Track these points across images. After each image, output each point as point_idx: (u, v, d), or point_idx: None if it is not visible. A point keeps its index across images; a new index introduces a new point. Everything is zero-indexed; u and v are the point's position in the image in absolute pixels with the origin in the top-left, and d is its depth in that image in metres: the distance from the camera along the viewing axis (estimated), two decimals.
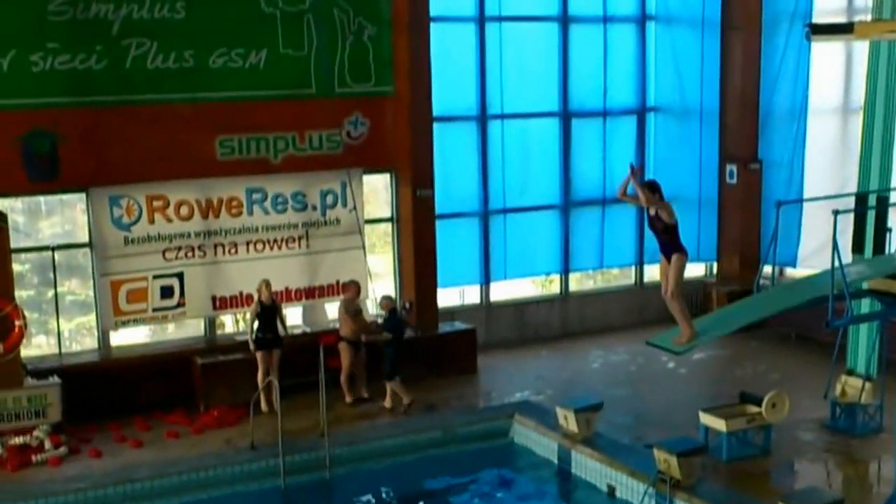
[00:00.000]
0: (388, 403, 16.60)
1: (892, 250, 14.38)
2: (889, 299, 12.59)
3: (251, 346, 16.36)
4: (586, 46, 20.37)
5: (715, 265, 21.84)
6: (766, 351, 19.31)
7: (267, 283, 16.59)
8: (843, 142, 19.58)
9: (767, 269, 17.89)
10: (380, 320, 17.01)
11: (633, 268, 21.74)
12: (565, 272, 20.98)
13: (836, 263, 11.73)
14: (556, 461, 14.81)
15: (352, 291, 17.02)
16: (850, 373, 15.37)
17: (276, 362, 16.30)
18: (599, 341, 20.22)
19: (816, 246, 18.75)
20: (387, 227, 19.28)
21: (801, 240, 19.97)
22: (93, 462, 14.78)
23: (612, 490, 13.74)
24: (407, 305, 18.39)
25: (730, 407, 14.52)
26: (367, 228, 18.72)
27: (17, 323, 15.50)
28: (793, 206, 18.94)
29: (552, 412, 15.23)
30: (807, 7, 19.65)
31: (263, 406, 16.00)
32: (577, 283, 21.63)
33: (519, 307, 20.72)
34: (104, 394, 16.44)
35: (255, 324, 16.49)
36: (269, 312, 16.41)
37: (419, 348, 18.06)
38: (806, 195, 19.71)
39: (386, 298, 17.03)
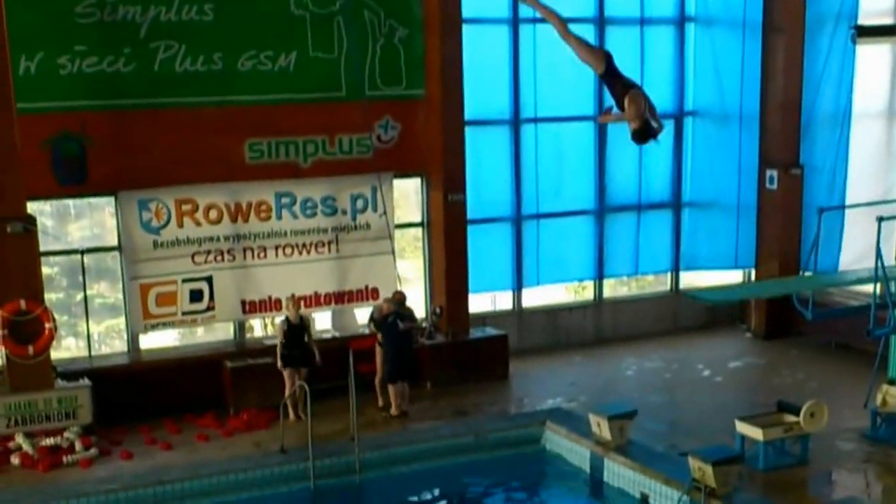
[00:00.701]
0: (394, 410, 16.40)
1: None
2: None
3: (279, 364, 16.18)
4: (623, 49, 20.04)
5: (753, 272, 21.50)
6: (805, 359, 19.01)
7: (294, 302, 16.44)
8: (887, 147, 19.26)
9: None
10: (371, 327, 16.87)
11: (669, 274, 21.46)
12: (599, 278, 20.75)
13: (880, 271, 11.45)
14: (588, 469, 14.58)
15: (398, 297, 16.87)
16: (892, 382, 15.02)
17: (304, 377, 15.99)
18: (633, 348, 19.97)
19: (859, 253, 18.39)
20: (417, 232, 19.13)
21: (842, 247, 19.61)
22: (123, 464, 14.71)
23: (645, 498, 13.51)
24: (437, 311, 18.28)
25: (767, 416, 14.24)
26: (398, 233, 18.59)
27: (46, 325, 15.49)
28: (835, 212, 18.62)
29: (585, 419, 15.00)
30: (852, 8, 19.26)
31: (291, 417, 15.84)
32: (611, 289, 21.39)
33: (552, 313, 20.50)
34: (134, 396, 16.39)
35: (283, 341, 16.29)
36: (296, 330, 16.23)
37: (450, 354, 17.91)
38: (848, 201, 19.36)
39: (386, 301, 16.83)
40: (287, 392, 16.00)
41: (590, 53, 10.97)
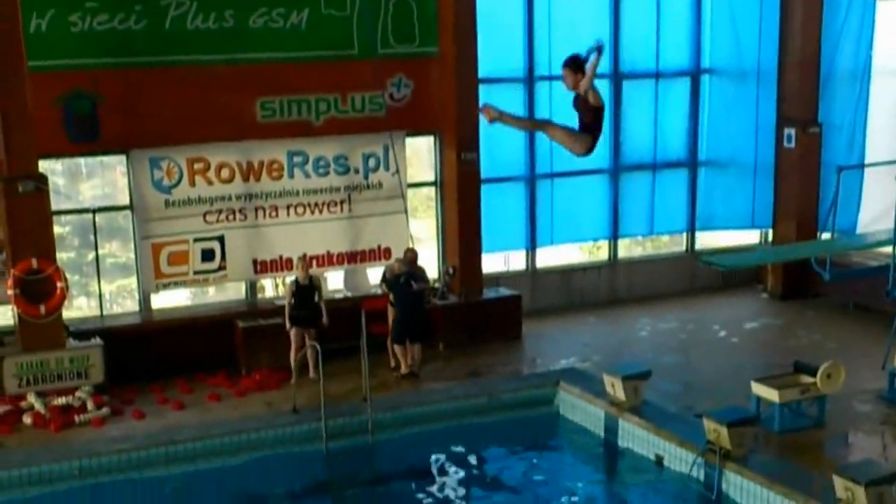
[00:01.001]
0: (404, 369, 16.31)
1: None
2: None
3: (287, 324, 16.07)
4: (638, 5, 19.85)
5: (770, 232, 21.30)
6: (823, 320, 18.84)
7: (304, 263, 16.32)
8: None
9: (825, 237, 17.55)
10: (383, 288, 16.69)
11: (684, 235, 21.27)
12: (614, 238, 20.59)
13: None
14: (602, 430, 14.48)
15: (409, 257, 16.72)
16: None
17: (313, 338, 15.85)
18: (648, 309, 19.84)
19: (878, 213, 18.21)
20: (430, 192, 18.99)
21: (861, 206, 19.41)
22: (135, 423, 14.68)
23: (659, 460, 13.41)
24: (450, 271, 18.16)
25: (783, 377, 14.09)
26: (410, 192, 18.44)
27: (58, 284, 15.46)
28: (853, 171, 18.39)
29: (599, 380, 14.90)
30: None
31: (294, 378, 15.63)
32: (626, 249, 21.22)
33: (565, 273, 20.37)
34: (146, 356, 16.35)
35: (291, 301, 16.17)
36: (304, 291, 16.09)
37: (463, 314, 17.81)
38: (868, 160, 19.13)
39: (398, 261, 16.71)
40: (293, 352, 15.89)
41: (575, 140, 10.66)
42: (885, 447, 13.34)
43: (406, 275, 16.31)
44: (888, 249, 15.47)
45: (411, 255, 16.69)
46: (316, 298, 16.17)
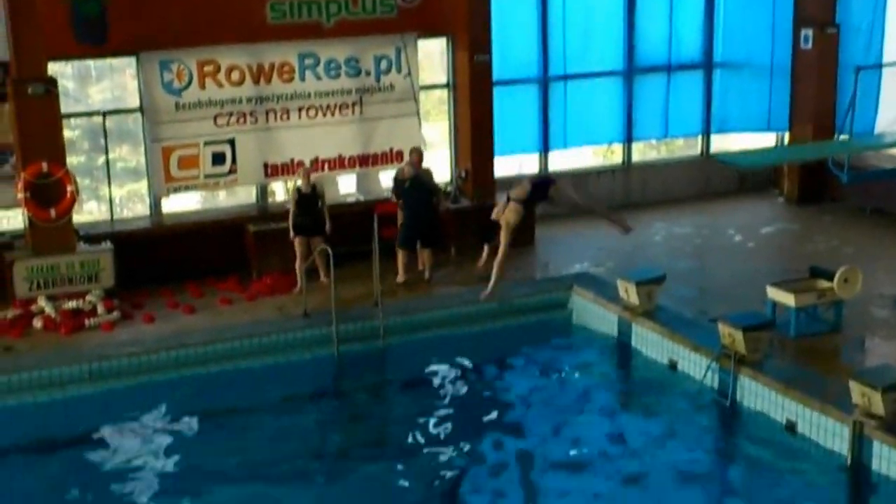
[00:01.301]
0: (400, 277, 16.11)
1: None
2: None
3: (290, 233, 15.87)
4: None
5: (787, 135, 20.98)
6: (840, 225, 18.62)
7: (305, 171, 16.10)
8: None
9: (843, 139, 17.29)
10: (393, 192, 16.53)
11: (699, 137, 20.98)
12: (628, 141, 20.32)
13: None
14: (615, 334, 14.44)
15: (414, 158, 16.49)
16: None
17: (316, 252, 15.50)
18: (662, 213, 19.64)
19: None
20: (442, 94, 18.68)
21: (879, 108, 19.10)
22: (145, 327, 14.64)
23: (673, 365, 13.37)
24: (463, 174, 17.98)
25: (799, 281, 13.94)
26: (422, 95, 18.14)
27: (68, 188, 15.34)
28: (871, 72, 18.03)
29: (612, 284, 14.80)
30: None
31: (299, 285, 15.47)
32: (640, 153, 20.96)
33: (579, 177, 20.12)
34: (156, 260, 16.26)
35: (294, 209, 15.89)
36: (307, 199, 15.85)
37: (475, 219, 17.62)
38: (885, 60, 18.75)
39: (408, 164, 16.48)
40: (298, 261, 15.72)
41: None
42: None
43: (412, 178, 16.12)
44: None
45: (416, 157, 16.43)
46: (319, 205, 15.95)
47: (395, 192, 16.37)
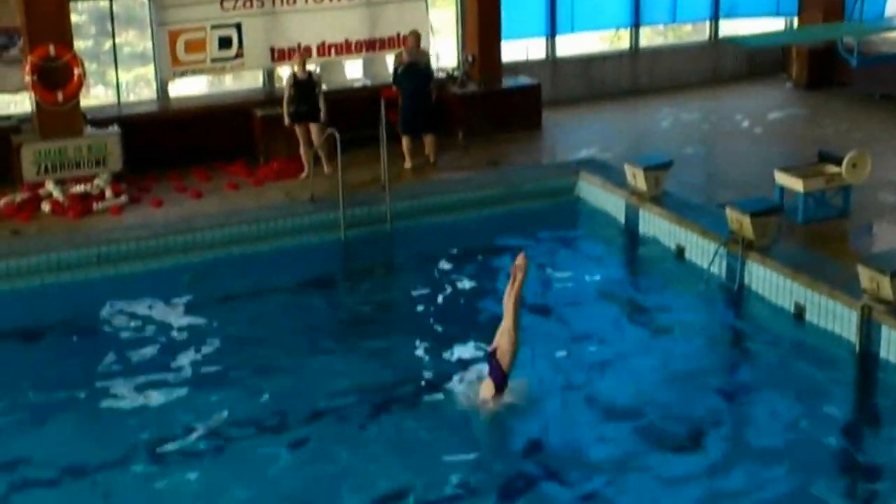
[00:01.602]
0: (408, 163, 16.07)
1: None
2: None
3: (286, 120, 15.69)
4: None
5: (795, 20, 20.73)
6: (848, 110, 18.50)
7: (302, 58, 15.86)
8: None
9: None
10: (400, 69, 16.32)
11: (708, 22, 20.72)
12: (635, 26, 20.09)
13: None
14: (623, 220, 14.44)
15: (410, 42, 16.31)
16: None
17: (317, 137, 15.40)
18: (670, 99, 19.51)
19: None
20: None
21: None
22: (153, 211, 14.65)
23: (681, 250, 13.38)
24: (470, 59, 17.81)
25: (808, 166, 13.89)
26: None
27: (76, 71, 15.26)
28: None
29: (620, 170, 14.76)
30: None
31: (306, 171, 15.44)
32: (648, 39, 20.75)
33: (586, 62, 19.98)
34: (163, 144, 16.21)
35: (290, 97, 15.66)
36: (303, 86, 15.63)
37: (482, 103, 17.54)
38: None
39: (405, 52, 16.29)
40: (302, 149, 15.60)
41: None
42: None
43: (407, 65, 15.97)
44: None
45: (411, 39, 16.24)
46: (315, 92, 15.70)
47: (394, 78, 16.25)
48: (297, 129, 15.60)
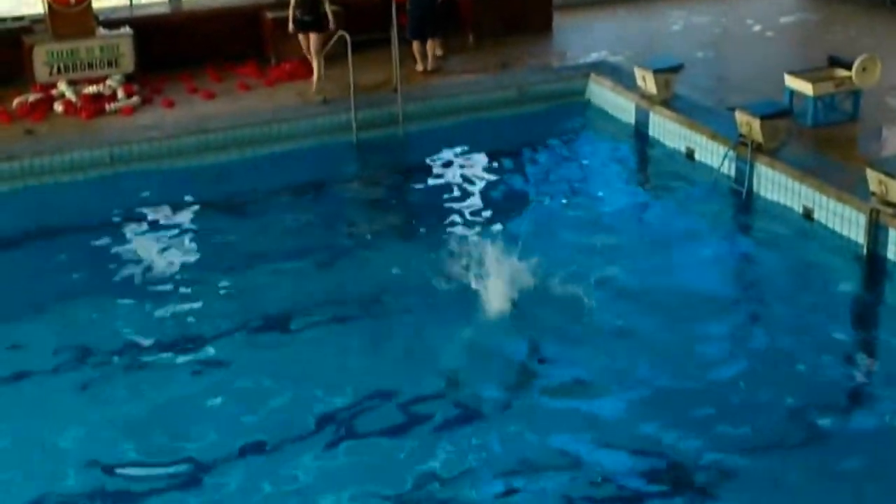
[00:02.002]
0: (419, 66, 16.02)
1: None
2: None
3: (290, 27, 15.24)
4: None
5: None
6: (860, 14, 18.40)
7: None
8: None
9: None
10: None
11: None
12: None
13: None
14: (633, 123, 14.49)
15: None
16: None
17: (315, 45, 15.04)
18: (681, 2, 19.41)
19: None
20: None
21: None
22: (165, 112, 14.70)
23: (690, 153, 13.46)
24: None
25: (818, 70, 13.87)
26: None
27: None
28: None
29: (630, 73, 14.77)
30: None
31: (316, 75, 15.15)
32: None
33: None
34: (175, 46, 16.21)
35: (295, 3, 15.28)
36: None
37: (493, 5, 17.46)
38: None
39: None
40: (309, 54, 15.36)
41: None
42: None
43: None
44: None
45: None
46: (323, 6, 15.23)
47: None
48: (300, 38, 15.30)
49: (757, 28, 17.90)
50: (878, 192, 10.84)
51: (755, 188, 12.39)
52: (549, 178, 13.47)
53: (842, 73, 13.55)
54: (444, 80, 15.69)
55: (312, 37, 15.09)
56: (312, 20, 15.09)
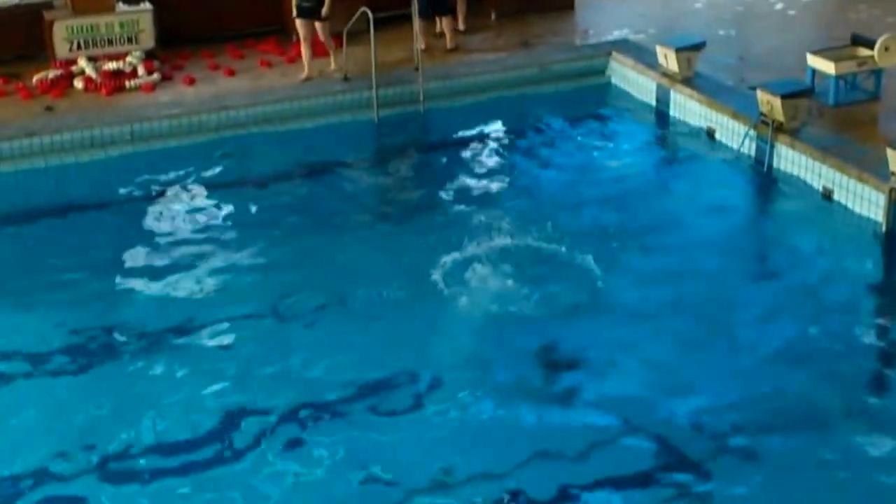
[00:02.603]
0: (422, 45, 15.51)
1: None
2: None
3: (294, 11, 15.00)
4: None
5: None
6: None
7: None
8: None
9: None
10: None
11: None
12: None
13: None
14: (654, 102, 14.44)
15: None
16: None
17: (322, 34, 14.86)
18: None
19: None
20: None
21: None
22: (186, 89, 14.72)
23: (711, 132, 13.42)
24: None
25: (840, 49, 13.78)
26: None
27: None
28: None
29: (652, 51, 14.72)
30: None
31: (305, 66, 14.97)
32: None
33: None
34: (195, 22, 16.22)
35: None
36: None
37: None
38: None
39: None
40: (301, 45, 15.02)
41: None
42: None
43: None
44: None
45: None
46: None
47: None
48: (298, 24, 14.93)
49: (779, 6, 17.76)
50: None
51: (776, 167, 12.36)
52: (570, 157, 13.45)
53: (864, 52, 13.46)
54: (464, 58, 15.64)
55: (317, 25, 14.81)
56: (312, 6, 14.71)
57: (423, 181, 13.24)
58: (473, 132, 14.02)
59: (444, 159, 13.59)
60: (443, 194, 12.60)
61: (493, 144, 13.76)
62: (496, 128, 14.15)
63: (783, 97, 12.30)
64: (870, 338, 9.66)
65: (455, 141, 13.90)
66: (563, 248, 10.60)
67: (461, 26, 16.33)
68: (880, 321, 9.95)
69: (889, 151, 10.90)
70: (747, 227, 11.96)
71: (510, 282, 10.18)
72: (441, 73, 14.82)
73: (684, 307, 10.00)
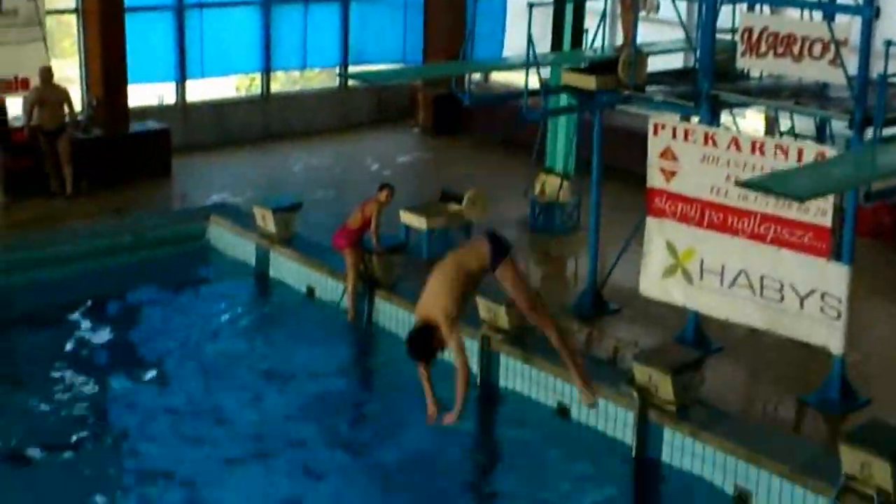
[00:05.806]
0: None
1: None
2: (582, 95, 12.34)
3: None
4: None
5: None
6: (471, 153, 19.14)
7: None
8: None
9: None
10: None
11: (337, 69, 20.95)
12: (266, 71, 20.05)
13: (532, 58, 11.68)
14: (253, 263, 14.29)
15: (42, 77, 15.72)
16: (549, 171, 15.41)
17: None
18: (302, 144, 19.53)
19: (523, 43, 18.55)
20: (72, 19, 17.80)
21: (505, 40, 19.85)
22: None
23: (311, 291, 13.41)
24: (94, 102, 17.22)
25: (431, 205, 14.35)
26: (50, 20, 17.27)
27: None
28: (497, 4, 18.67)
29: (250, 213, 14.62)
30: None
31: None
32: (281, 85, 20.76)
33: (218, 108, 19.74)
34: None
35: None
36: None
37: (107, 149, 16.93)
38: None
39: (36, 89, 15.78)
40: None
41: None
42: (528, 272, 13.71)
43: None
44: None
45: (43, 73, 15.65)
46: None
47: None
48: None
49: (375, 167, 18.26)
50: (489, 319, 11.11)
51: (375, 321, 12.47)
52: (166, 328, 12.92)
53: (453, 206, 13.98)
54: (52, 226, 14.90)
55: None
56: None
57: (5, 356, 12.25)
58: (61, 305, 13.11)
59: (28, 335, 12.65)
60: (38, 370, 11.74)
61: (82, 318, 12.92)
62: (86, 300, 13.28)
63: (378, 255, 12.57)
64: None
65: (41, 315, 12.97)
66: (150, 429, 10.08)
67: (68, 189, 15.65)
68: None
69: (479, 300, 11.05)
70: (348, 381, 12.00)
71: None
72: (22, 244, 14.03)
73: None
